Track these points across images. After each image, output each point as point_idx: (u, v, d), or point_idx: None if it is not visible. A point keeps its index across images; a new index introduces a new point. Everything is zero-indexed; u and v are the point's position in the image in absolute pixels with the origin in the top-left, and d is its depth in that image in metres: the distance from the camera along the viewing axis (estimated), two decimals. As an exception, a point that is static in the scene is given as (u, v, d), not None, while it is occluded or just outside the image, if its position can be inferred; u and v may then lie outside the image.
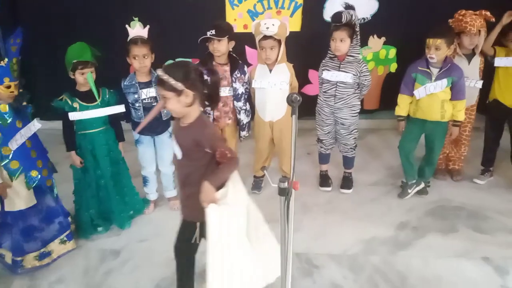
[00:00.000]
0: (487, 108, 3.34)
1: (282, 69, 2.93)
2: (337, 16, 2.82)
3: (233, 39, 2.84)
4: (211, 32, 2.70)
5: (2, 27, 3.97)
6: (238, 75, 2.89)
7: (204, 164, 1.89)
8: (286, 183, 1.40)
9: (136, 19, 3.13)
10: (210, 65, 2.80)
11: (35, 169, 2.38)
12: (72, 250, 2.64)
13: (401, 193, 3.24)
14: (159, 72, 1.77)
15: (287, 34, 2.86)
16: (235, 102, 2.93)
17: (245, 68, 2.96)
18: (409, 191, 3.21)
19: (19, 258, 2.44)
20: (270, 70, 2.92)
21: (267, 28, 2.75)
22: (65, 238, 2.61)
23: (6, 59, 2.20)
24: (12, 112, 2.29)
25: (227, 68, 2.87)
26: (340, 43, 2.87)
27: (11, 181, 2.31)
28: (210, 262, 1.79)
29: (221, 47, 2.77)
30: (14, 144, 2.27)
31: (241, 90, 2.92)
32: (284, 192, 1.41)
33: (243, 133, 3.06)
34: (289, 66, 2.96)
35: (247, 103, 3.03)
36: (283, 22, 2.84)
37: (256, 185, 3.33)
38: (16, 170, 2.32)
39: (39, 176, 2.40)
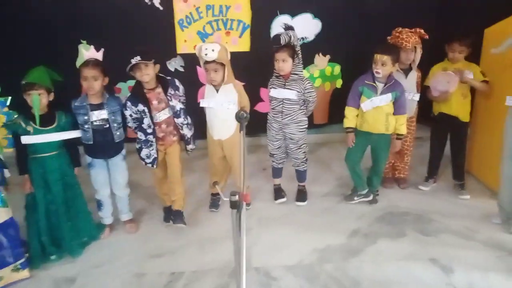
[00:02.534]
0: (432, 120, 3.53)
1: (229, 89, 2.98)
2: (276, 38, 2.95)
3: (158, 62, 2.78)
4: (137, 59, 2.63)
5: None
6: (172, 92, 2.84)
7: None
8: (236, 196, 1.45)
9: (84, 42, 3.14)
10: (141, 94, 2.76)
11: None
12: (24, 280, 2.54)
13: (348, 196, 3.42)
14: None
15: (229, 57, 2.92)
16: (175, 119, 2.88)
17: (176, 82, 2.90)
18: (356, 198, 3.38)
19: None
20: (217, 90, 2.98)
21: (206, 54, 2.80)
22: (19, 266, 2.51)
23: None
24: None
25: (159, 90, 2.82)
26: (283, 63, 2.99)
27: None
28: None
29: (149, 71, 2.70)
30: None
31: (178, 106, 2.87)
32: (235, 205, 1.46)
33: (190, 147, 3.02)
34: (237, 86, 3.02)
35: (187, 117, 2.97)
36: (223, 46, 2.88)
37: (213, 203, 3.36)
38: None
39: None
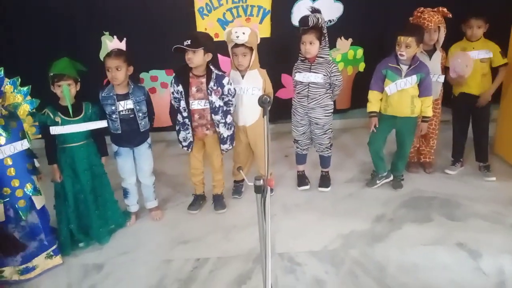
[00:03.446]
0: (453, 102, 3.48)
1: (254, 75, 2.99)
2: (304, 20, 2.92)
3: (210, 51, 2.78)
4: (187, 42, 2.66)
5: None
6: (214, 87, 2.82)
7: None
8: (261, 181, 1.46)
9: (107, 33, 3.17)
10: (185, 76, 2.81)
11: (8, 187, 2.37)
12: (57, 266, 2.63)
13: (370, 182, 3.40)
14: None
15: (258, 41, 2.93)
16: (212, 115, 2.87)
17: (224, 80, 2.86)
18: (378, 182, 3.36)
19: (0, 268, 2.44)
20: (243, 76, 2.98)
21: (237, 37, 2.81)
22: (51, 253, 2.59)
23: None
24: None
25: (203, 80, 2.82)
26: (310, 45, 2.96)
27: None
28: None
29: (195, 59, 2.71)
30: None
31: (218, 103, 2.86)
32: (259, 190, 1.46)
33: (224, 147, 3.01)
34: (261, 72, 3.02)
35: (228, 116, 2.95)
36: (253, 29, 2.90)
37: (237, 190, 3.38)
38: None
39: (12, 194, 2.38)
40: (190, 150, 3.00)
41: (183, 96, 2.82)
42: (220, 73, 2.89)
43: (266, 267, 1.40)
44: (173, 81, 2.88)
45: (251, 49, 2.88)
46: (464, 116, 3.44)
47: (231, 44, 2.90)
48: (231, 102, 2.95)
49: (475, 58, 3.19)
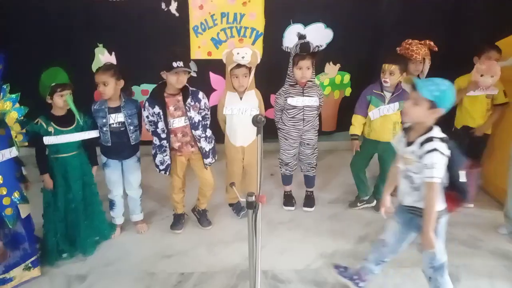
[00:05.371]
0: (455, 134, 3.47)
1: (252, 95, 3.04)
2: (305, 46, 3.01)
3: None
4: (179, 64, 2.60)
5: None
6: (192, 103, 2.80)
7: None
8: (253, 197, 1.51)
9: (101, 45, 3.21)
10: (160, 96, 2.75)
11: None
12: (37, 278, 2.60)
13: (352, 203, 3.50)
14: None
15: (258, 61, 2.98)
16: (193, 131, 2.84)
17: (200, 95, 2.85)
18: (359, 204, 3.46)
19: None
20: (241, 98, 3.01)
21: (243, 57, 2.84)
22: (30, 265, 2.57)
23: None
24: None
25: (179, 97, 2.78)
26: (307, 70, 3.05)
27: None
28: None
29: (185, 79, 2.71)
30: None
31: (197, 118, 2.83)
32: (251, 205, 1.51)
33: (207, 161, 2.97)
34: (257, 93, 3.08)
35: (207, 130, 2.95)
36: (254, 50, 2.94)
37: (237, 208, 3.38)
38: None
39: None
40: (168, 173, 2.94)
41: (161, 117, 2.75)
42: (193, 88, 2.86)
43: (256, 281, 1.44)
44: (146, 104, 2.78)
45: (250, 69, 2.93)
46: (463, 147, 3.49)
47: (232, 65, 2.90)
48: (207, 116, 2.95)
49: (482, 93, 3.30)
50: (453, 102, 2.00)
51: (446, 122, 3.46)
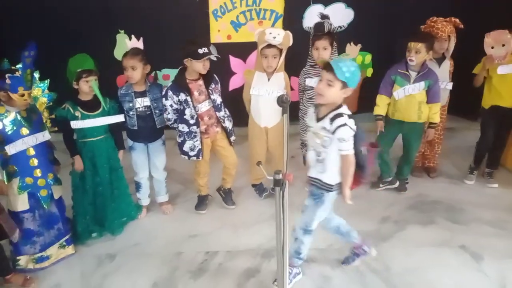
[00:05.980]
0: (483, 114, 3.45)
1: (280, 77, 3.03)
2: (319, 26, 2.99)
3: None
4: (204, 50, 2.66)
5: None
6: (213, 86, 2.86)
7: None
8: (280, 175, 1.54)
9: (122, 31, 3.25)
10: (184, 83, 2.78)
11: (31, 176, 2.44)
12: (70, 256, 2.71)
13: (373, 184, 3.48)
14: None
15: (290, 43, 2.95)
16: (217, 112, 2.91)
17: (215, 78, 2.92)
18: (381, 185, 3.45)
19: (16, 257, 2.53)
20: (269, 78, 3.01)
21: (274, 37, 2.83)
22: (64, 243, 2.68)
23: (20, 70, 2.30)
24: (19, 121, 2.36)
25: (201, 82, 2.82)
26: (323, 51, 3.04)
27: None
28: None
29: (209, 65, 2.75)
30: (12, 149, 2.34)
31: (218, 100, 2.90)
32: (279, 183, 1.54)
33: (233, 138, 3.06)
34: (285, 75, 3.07)
35: (226, 110, 3.01)
36: (287, 32, 2.92)
37: (260, 189, 3.42)
38: (11, 174, 2.39)
39: (34, 184, 2.45)
40: (201, 157, 2.95)
41: (189, 103, 2.78)
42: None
43: (284, 256, 1.47)
44: (170, 93, 2.79)
45: (280, 51, 2.91)
46: (493, 128, 3.42)
47: (263, 45, 2.89)
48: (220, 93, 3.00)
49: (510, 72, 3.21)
50: (358, 81, 2.10)
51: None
